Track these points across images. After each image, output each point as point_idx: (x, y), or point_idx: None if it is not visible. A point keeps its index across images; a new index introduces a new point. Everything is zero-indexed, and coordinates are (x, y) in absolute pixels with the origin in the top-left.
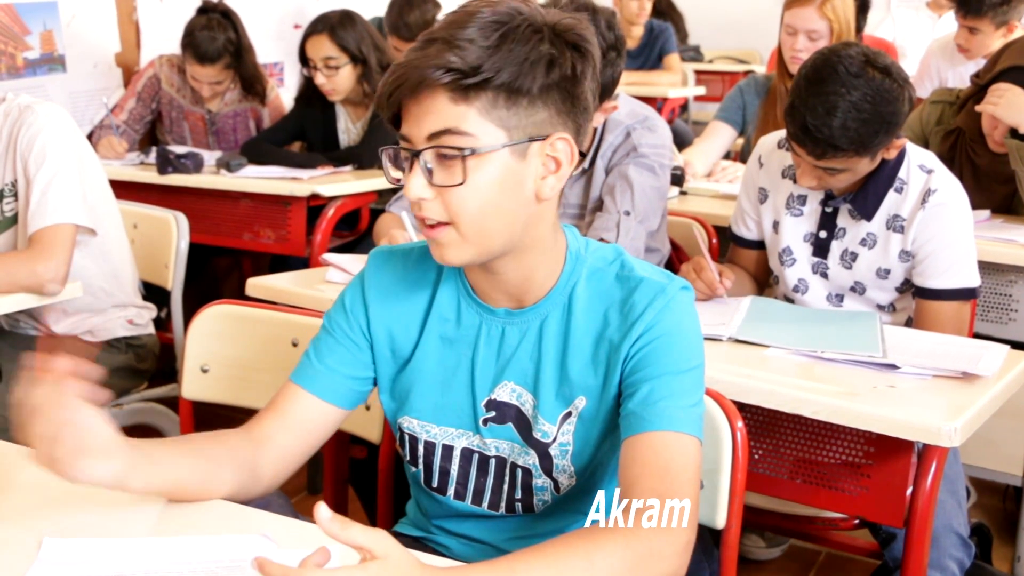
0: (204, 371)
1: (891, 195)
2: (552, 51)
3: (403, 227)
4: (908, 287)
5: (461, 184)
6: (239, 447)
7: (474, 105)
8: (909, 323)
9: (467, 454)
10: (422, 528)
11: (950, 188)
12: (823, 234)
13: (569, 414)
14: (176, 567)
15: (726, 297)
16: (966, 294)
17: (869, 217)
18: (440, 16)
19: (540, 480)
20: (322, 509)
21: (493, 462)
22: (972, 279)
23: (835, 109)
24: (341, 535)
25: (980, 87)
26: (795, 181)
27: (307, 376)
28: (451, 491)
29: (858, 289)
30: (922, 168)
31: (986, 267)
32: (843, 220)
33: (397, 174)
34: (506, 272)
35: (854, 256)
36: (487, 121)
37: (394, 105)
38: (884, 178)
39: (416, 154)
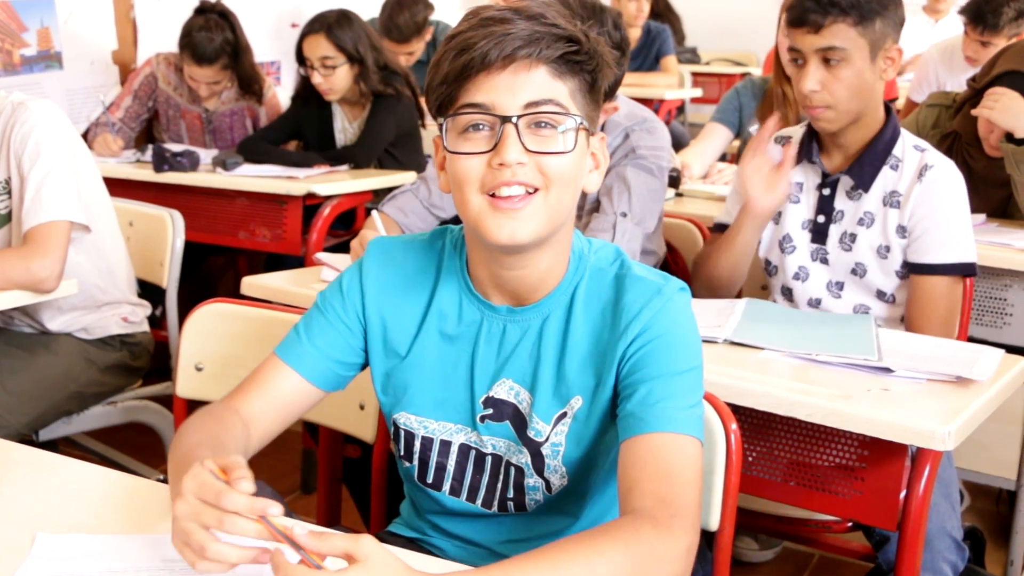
0: (199, 369)
1: (887, 171)
2: (608, 62)
3: (392, 227)
4: (909, 274)
5: (570, 152)
6: (240, 433)
7: (567, 85)
8: None
9: (464, 450)
10: (416, 529)
11: (945, 165)
12: (821, 218)
13: (564, 414)
14: (168, 564)
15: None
16: (963, 269)
17: (867, 187)
18: (432, 17)
19: (532, 480)
20: (298, 528)
21: (489, 459)
22: (968, 254)
23: None
24: (322, 547)
25: (976, 91)
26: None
27: (295, 354)
28: (446, 487)
29: (859, 271)
30: (916, 147)
31: (981, 271)
32: (840, 202)
33: (464, 146)
34: (525, 268)
35: (853, 237)
36: (572, 103)
37: (476, 74)
38: (879, 151)
39: (509, 120)
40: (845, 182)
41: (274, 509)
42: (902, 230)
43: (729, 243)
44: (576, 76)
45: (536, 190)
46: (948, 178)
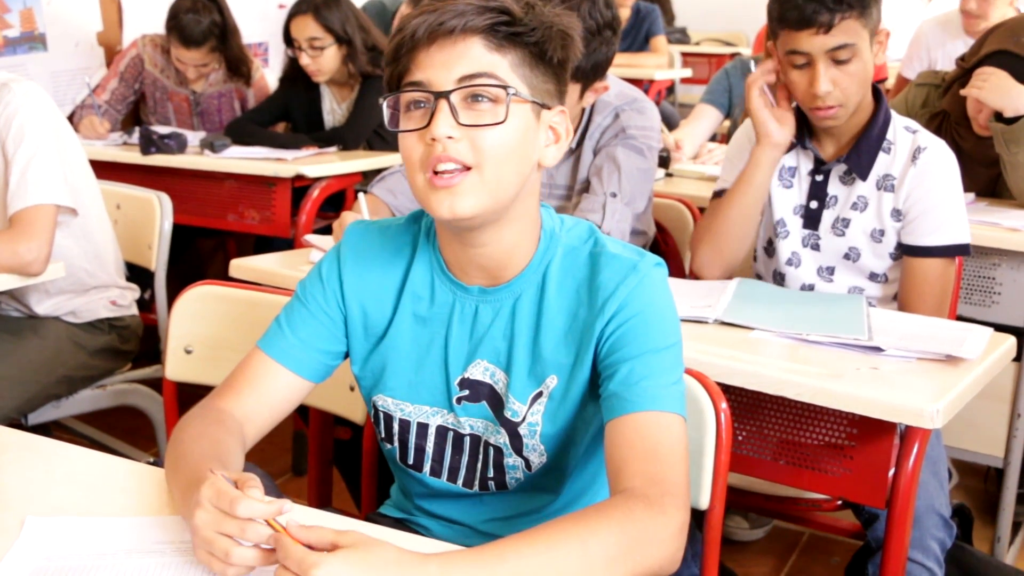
0: (188, 352)
1: (880, 156)
2: (565, 32)
3: (381, 208)
4: (902, 255)
5: (501, 123)
6: (237, 435)
7: (507, 57)
8: None
9: (442, 432)
10: (404, 510)
11: (938, 146)
12: (813, 204)
13: (540, 394)
14: (158, 546)
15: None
16: (956, 250)
17: (864, 175)
18: None
19: (511, 459)
20: (289, 523)
21: (468, 440)
22: (963, 235)
23: None
24: (311, 539)
25: (965, 70)
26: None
27: (280, 348)
28: (427, 468)
29: (852, 256)
30: (908, 129)
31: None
32: (833, 188)
33: (406, 124)
34: (487, 244)
35: (846, 222)
36: (515, 75)
37: (411, 52)
38: (874, 137)
39: (442, 95)
40: (840, 169)
41: (287, 506)
42: (897, 213)
43: (745, 185)
44: (517, 48)
45: (470, 168)
46: (942, 160)
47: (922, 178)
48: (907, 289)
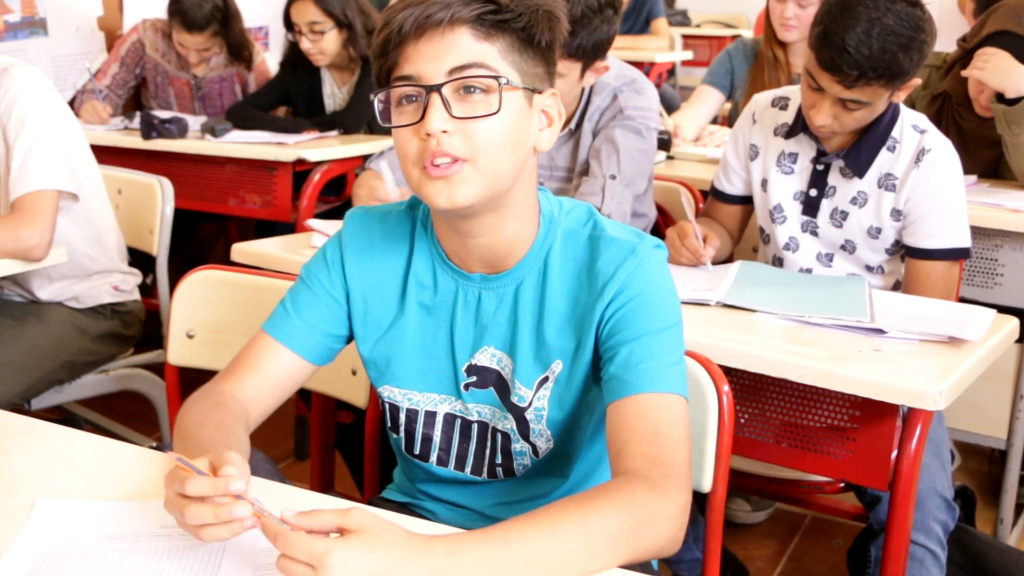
0: (190, 337)
1: (884, 153)
2: (551, 13)
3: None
4: (899, 249)
5: (495, 114)
6: (240, 417)
7: (495, 45)
8: (897, 287)
9: (450, 419)
10: (408, 494)
11: (943, 148)
12: (813, 192)
13: (546, 379)
14: (165, 529)
15: (709, 266)
16: (957, 254)
17: (861, 174)
18: None
19: (518, 445)
20: (287, 513)
21: (475, 427)
22: (964, 239)
23: (875, 32)
24: (314, 526)
25: (966, 51)
26: (786, 138)
27: (285, 331)
28: (433, 457)
29: (848, 248)
30: (915, 128)
31: (972, 232)
32: (834, 178)
33: (399, 119)
34: (486, 235)
35: (844, 215)
36: (505, 63)
37: (399, 46)
38: (878, 135)
39: (434, 89)
40: (841, 163)
41: (237, 484)
42: (896, 213)
43: None
44: (505, 35)
45: (466, 160)
46: (945, 163)
47: (923, 181)
48: (910, 289)
